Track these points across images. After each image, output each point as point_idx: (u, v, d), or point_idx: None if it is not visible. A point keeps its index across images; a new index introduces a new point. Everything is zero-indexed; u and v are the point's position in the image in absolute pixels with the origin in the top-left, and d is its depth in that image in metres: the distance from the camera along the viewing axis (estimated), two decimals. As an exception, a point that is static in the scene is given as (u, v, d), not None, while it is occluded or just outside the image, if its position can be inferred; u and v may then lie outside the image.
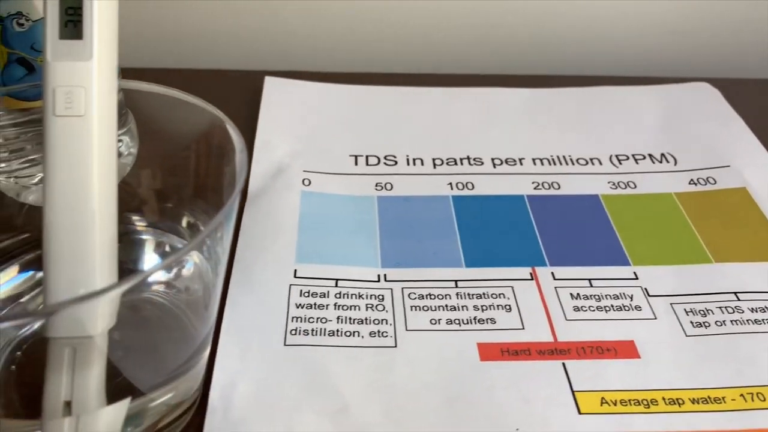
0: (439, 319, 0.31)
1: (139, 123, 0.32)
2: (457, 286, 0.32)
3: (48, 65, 0.23)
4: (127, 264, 0.29)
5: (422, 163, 0.40)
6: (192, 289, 0.28)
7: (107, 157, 0.24)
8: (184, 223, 0.30)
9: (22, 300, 0.29)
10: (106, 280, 0.24)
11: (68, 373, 0.23)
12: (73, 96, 0.23)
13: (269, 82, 0.45)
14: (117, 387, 0.24)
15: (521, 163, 0.40)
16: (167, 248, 0.30)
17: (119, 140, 0.30)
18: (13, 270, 0.29)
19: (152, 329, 0.28)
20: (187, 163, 0.30)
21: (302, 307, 0.31)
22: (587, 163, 0.40)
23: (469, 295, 0.32)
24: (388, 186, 0.38)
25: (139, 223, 0.31)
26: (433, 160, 0.40)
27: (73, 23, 0.23)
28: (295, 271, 0.32)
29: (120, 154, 0.32)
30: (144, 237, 0.31)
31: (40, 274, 0.28)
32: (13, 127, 0.33)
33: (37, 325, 0.25)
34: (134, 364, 0.25)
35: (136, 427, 0.25)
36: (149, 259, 0.30)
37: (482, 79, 0.47)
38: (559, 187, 0.38)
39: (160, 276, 0.28)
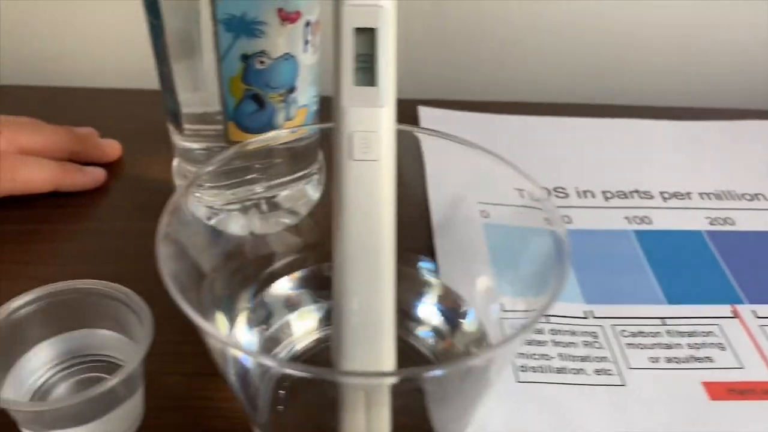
0: (658, 357, 0.31)
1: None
2: (664, 324, 0.33)
3: (343, 110, 0.24)
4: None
5: (593, 196, 0.40)
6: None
7: (392, 199, 0.24)
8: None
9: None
10: (391, 323, 0.24)
11: (364, 415, 0.23)
12: (370, 141, 0.24)
13: (423, 112, 0.45)
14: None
15: (690, 197, 0.40)
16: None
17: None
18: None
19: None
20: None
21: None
22: (752, 198, 0.40)
23: (679, 332, 0.32)
24: (566, 218, 0.39)
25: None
26: (603, 192, 0.40)
27: (364, 70, 0.24)
28: (502, 304, 0.33)
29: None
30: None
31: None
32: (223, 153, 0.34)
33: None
34: (447, 415, 0.25)
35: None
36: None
37: (632, 110, 0.47)
38: (734, 223, 0.39)
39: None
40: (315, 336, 0.30)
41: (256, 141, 0.29)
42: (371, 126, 0.24)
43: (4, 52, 0.51)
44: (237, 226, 0.37)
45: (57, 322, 0.27)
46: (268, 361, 0.25)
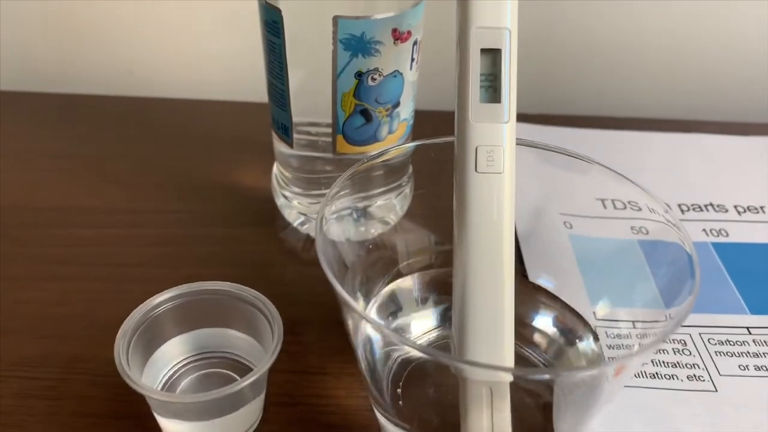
0: (747, 365, 0.32)
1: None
2: (750, 333, 0.34)
3: (470, 125, 0.25)
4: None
5: (670, 209, 0.41)
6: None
7: (513, 209, 0.26)
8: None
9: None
10: (510, 326, 0.26)
11: (488, 411, 0.25)
12: (495, 155, 0.25)
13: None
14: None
15: (764, 212, 0.42)
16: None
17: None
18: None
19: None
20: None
21: (612, 348, 0.32)
22: (826, 212, 0.42)
23: (765, 342, 0.33)
24: (644, 230, 0.40)
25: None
26: (679, 205, 0.42)
27: (489, 88, 0.26)
28: (594, 313, 0.34)
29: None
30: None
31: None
32: (327, 164, 0.36)
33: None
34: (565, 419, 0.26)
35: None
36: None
37: (704, 125, 0.49)
38: (810, 236, 0.40)
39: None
40: (435, 333, 0.31)
41: (387, 151, 0.31)
42: (495, 140, 0.25)
43: (100, 65, 0.53)
44: (331, 232, 0.38)
45: (192, 319, 0.29)
46: (397, 339, 0.27)
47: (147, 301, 0.28)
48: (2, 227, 0.38)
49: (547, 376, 0.27)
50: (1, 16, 0.51)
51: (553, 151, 0.32)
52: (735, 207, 0.42)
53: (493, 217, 0.25)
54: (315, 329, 0.33)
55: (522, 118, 0.29)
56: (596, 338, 0.31)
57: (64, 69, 0.53)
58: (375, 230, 0.36)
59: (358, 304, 0.29)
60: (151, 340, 0.28)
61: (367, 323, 0.26)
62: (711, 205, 0.42)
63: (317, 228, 0.26)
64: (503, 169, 0.26)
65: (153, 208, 0.41)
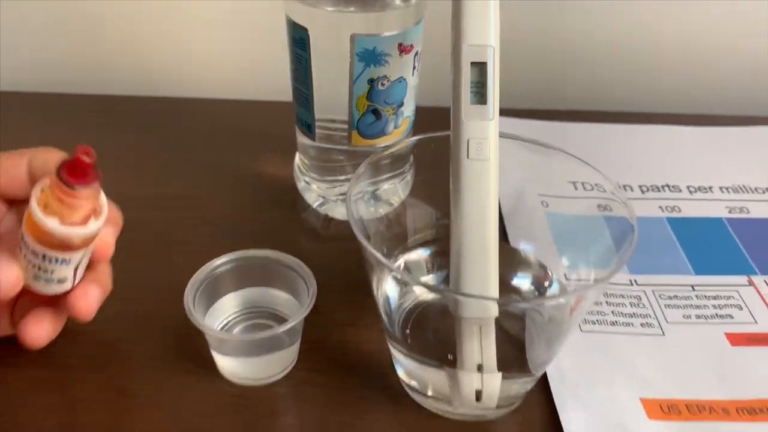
0: (690, 315, 0.40)
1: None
2: (694, 290, 0.41)
3: (462, 123, 0.32)
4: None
5: (632, 189, 0.49)
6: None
7: (497, 187, 0.33)
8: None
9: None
10: (495, 276, 0.33)
11: (478, 343, 0.32)
12: (482, 146, 0.32)
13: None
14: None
15: (711, 191, 0.49)
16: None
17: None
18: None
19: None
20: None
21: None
22: (764, 192, 0.49)
23: (705, 296, 0.41)
24: (608, 208, 0.47)
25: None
26: (640, 186, 0.49)
27: (477, 94, 0.33)
28: (564, 273, 0.41)
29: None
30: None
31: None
32: (341, 155, 0.42)
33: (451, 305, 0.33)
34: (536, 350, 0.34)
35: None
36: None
37: (662, 117, 0.56)
38: (749, 212, 0.47)
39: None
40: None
41: (401, 142, 0.38)
42: (483, 134, 0.32)
43: (134, 67, 0.60)
44: (341, 213, 0.45)
45: (242, 279, 0.36)
46: (412, 280, 0.35)
47: (208, 263, 0.35)
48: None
49: (524, 305, 0.34)
50: (37, 20, 0.57)
51: (530, 142, 0.38)
52: (687, 187, 0.49)
53: (481, 194, 0.32)
54: (338, 292, 0.40)
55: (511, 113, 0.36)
56: (564, 291, 0.38)
57: (101, 73, 0.60)
58: (382, 210, 0.43)
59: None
60: (210, 294, 0.35)
61: (387, 278, 0.33)
62: (667, 185, 0.49)
63: (348, 203, 0.33)
64: (489, 157, 0.33)
65: (190, 194, 0.47)
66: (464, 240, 0.32)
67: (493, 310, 0.32)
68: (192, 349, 0.36)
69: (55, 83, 0.59)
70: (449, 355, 0.32)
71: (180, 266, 0.36)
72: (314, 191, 0.45)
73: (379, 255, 0.30)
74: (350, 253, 0.41)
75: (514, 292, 0.38)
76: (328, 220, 0.46)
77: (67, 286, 0.31)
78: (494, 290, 0.32)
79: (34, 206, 0.28)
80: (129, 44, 0.59)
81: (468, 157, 0.32)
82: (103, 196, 0.30)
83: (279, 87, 0.49)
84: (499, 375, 0.32)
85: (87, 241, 0.30)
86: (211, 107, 0.57)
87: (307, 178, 0.45)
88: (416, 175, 0.44)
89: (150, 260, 0.42)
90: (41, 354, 0.34)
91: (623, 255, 0.32)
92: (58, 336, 0.34)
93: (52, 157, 0.32)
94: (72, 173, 0.27)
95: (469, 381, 0.32)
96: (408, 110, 0.41)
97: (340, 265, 0.41)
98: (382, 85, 0.39)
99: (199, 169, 0.50)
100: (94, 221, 0.29)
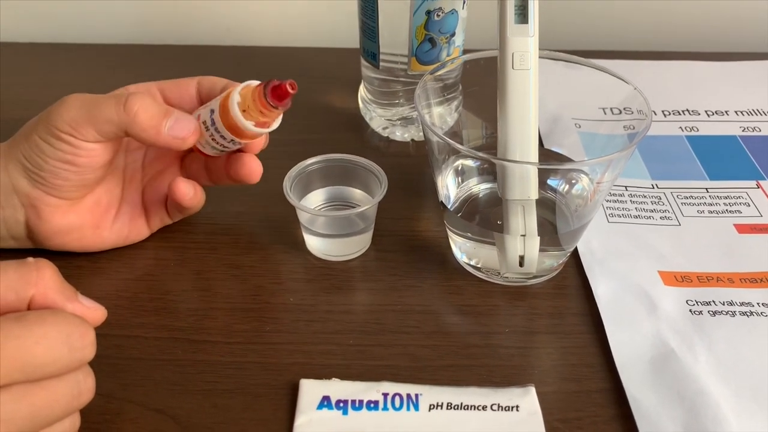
0: (703, 210, 0.46)
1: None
2: (708, 192, 0.48)
3: (507, 39, 0.39)
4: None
5: (655, 114, 0.55)
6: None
7: (537, 93, 0.40)
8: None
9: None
10: (536, 159, 0.40)
11: (521, 219, 0.39)
12: (524, 58, 0.39)
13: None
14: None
15: (727, 114, 0.55)
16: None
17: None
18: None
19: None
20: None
21: (612, 201, 0.46)
22: (775, 114, 0.55)
23: (718, 197, 0.47)
24: (631, 127, 0.53)
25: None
26: (662, 111, 0.55)
27: (520, 14, 0.39)
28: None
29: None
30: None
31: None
32: (399, 84, 0.50)
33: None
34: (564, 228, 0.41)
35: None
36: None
37: (684, 54, 0.62)
38: (760, 131, 0.53)
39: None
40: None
41: (452, 61, 0.45)
42: (525, 48, 0.39)
43: (200, 18, 0.67)
44: (401, 134, 0.53)
45: (328, 177, 0.44)
46: (474, 154, 0.42)
47: (302, 161, 0.43)
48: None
49: (566, 166, 0.43)
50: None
51: (565, 61, 0.45)
52: (705, 111, 0.55)
53: (524, 97, 0.39)
54: (400, 193, 0.47)
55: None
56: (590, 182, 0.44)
57: (174, 26, 0.68)
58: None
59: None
60: (303, 187, 0.43)
61: (449, 173, 0.41)
62: (687, 110, 0.56)
63: (420, 116, 0.40)
64: (530, 67, 0.39)
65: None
66: (509, 135, 0.39)
67: (533, 193, 0.39)
68: (288, 232, 0.44)
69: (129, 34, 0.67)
70: (498, 221, 0.40)
71: (275, 177, 0.43)
72: (377, 116, 0.52)
73: (444, 137, 0.38)
74: (409, 167, 0.48)
75: (550, 189, 0.45)
76: (389, 140, 0.53)
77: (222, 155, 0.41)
78: (534, 173, 0.39)
79: (236, 108, 0.37)
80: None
81: (513, 67, 0.39)
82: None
83: (338, 37, 0.56)
84: (538, 239, 0.39)
85: (257, 137, 0.39)
86: (277, 53, 0.65)
87: (370, 106, 0.52)
88: (465, 91, 0.51)
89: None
90: (166, 238, 0.43)
91: (637, 138, 0.39)
92: (181, 224, 0.43)
93: (217, 81, 0.41)
94: (276, 96, 0.36)
95: (514, 246, 0.39)
96: (459, 40, 0.48)
97: (401, 176, 0.48)
98: (438, 16, 0.45)
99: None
100: (270, 127, 0.38)
